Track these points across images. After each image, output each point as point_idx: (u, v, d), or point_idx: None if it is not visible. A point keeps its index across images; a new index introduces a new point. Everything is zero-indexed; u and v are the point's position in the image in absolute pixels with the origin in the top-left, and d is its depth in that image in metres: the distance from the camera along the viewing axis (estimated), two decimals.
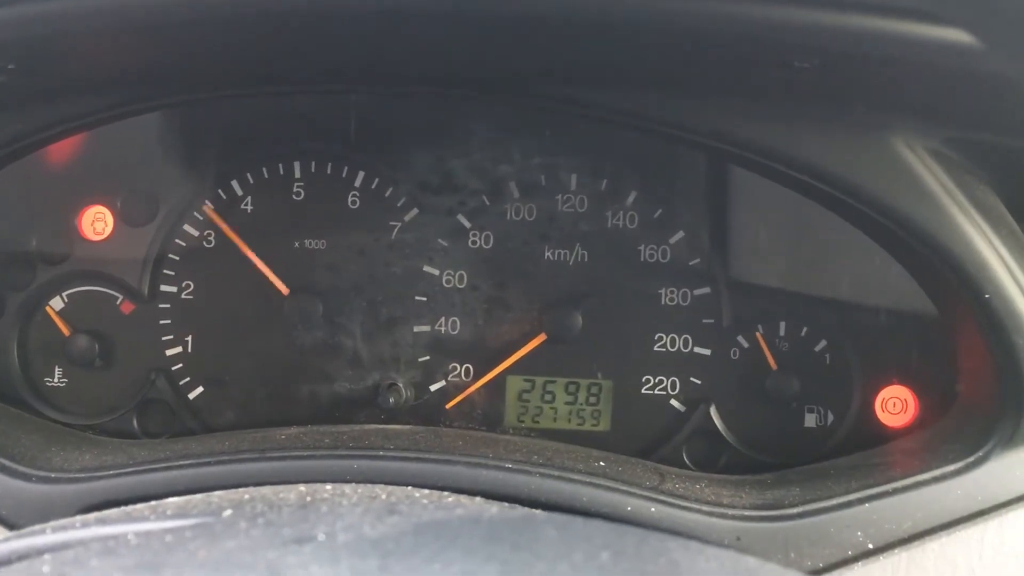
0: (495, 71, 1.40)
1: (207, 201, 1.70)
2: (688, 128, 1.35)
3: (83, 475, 1.40)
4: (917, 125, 1.30)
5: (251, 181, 1.70)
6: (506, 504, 1.02)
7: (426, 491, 1.02)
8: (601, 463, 1.45)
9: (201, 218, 1.70)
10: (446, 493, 1.03)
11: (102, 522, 0.87)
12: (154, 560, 0.68)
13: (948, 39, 0.95)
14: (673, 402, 1.68)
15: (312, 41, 1.30)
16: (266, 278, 1.68)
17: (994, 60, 0.59)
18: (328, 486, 1.02)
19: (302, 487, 1.00)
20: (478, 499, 1.02)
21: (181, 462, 1.39)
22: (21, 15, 1.09)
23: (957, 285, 1.34)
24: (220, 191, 1.70)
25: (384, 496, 0.95)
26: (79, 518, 0.91)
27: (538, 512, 0.99)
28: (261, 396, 1.71)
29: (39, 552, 0.80)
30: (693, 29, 1.04)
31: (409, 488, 1.06)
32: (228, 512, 0.83)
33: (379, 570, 0.63)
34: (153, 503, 0.96)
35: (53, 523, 0.89)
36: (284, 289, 1.68)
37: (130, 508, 0.96)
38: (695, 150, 1.42)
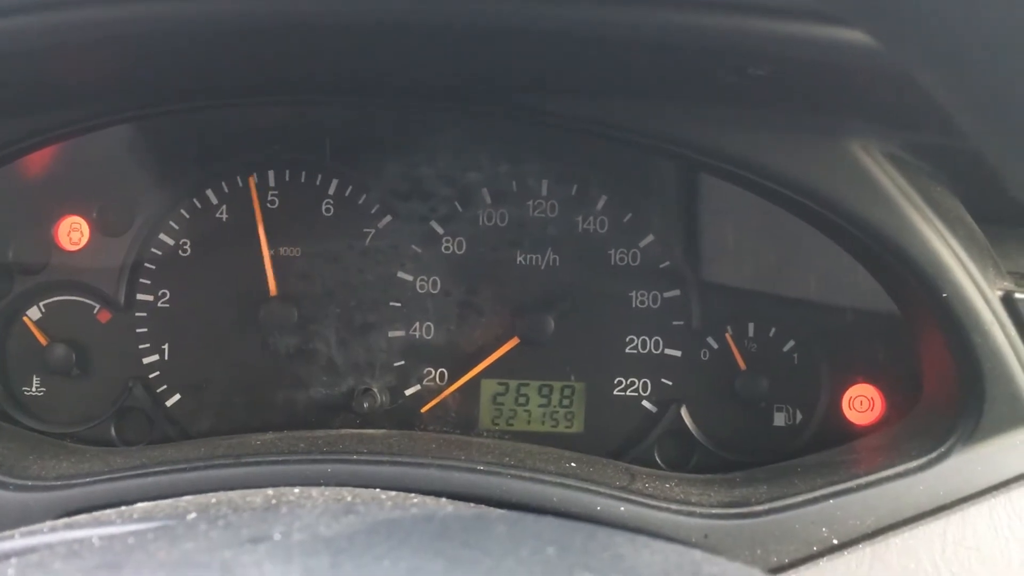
0: (463, 82, 1.43)
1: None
2: (650, 134, 1.38)
3: (60, 483, 1.41)
4: (873, 130, 1.33)
5: (226, 190, 1.72)
6: (461, 503, 1.04)
7: (392, 493, 1.04)
8: (572, 464, 1.47)
9: (176, 227, 1.72)
10: (412, 495, 1.05)
11: (70, 527, 0.89)
12: (115, 560, 0.70)
13: (848, 39, 0.98)
14: (645, 403, 1.70)
15: (285, 54, 1.33)
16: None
17: (895, 59, 0.61)
18: (296, 489, 1.04)
19: (270, 491, 1.02)
20: (441, 499, 1.04)
21: (157, 468, 1.40)
22: None
23: (916, 286, 1.36)
24: (195, 200, 1.72)
25: (349, 498, 0.97)
26: (48, 523, 0.93)
27: (491, 510, 1.01)
28: (238, 403, 1.72)
29: (5, 556, 0.81)
30: (630, 38, 1.07)
31: (376, 490, 1.07)
32: (192, 515, 0.85)
33: (330, 567, 0.65)
34: (122, 508, 0.98)
35: (22, 529, 0.91)
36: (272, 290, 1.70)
37: (99, 513, 0.97)
38: (659, 156, 1.44)
